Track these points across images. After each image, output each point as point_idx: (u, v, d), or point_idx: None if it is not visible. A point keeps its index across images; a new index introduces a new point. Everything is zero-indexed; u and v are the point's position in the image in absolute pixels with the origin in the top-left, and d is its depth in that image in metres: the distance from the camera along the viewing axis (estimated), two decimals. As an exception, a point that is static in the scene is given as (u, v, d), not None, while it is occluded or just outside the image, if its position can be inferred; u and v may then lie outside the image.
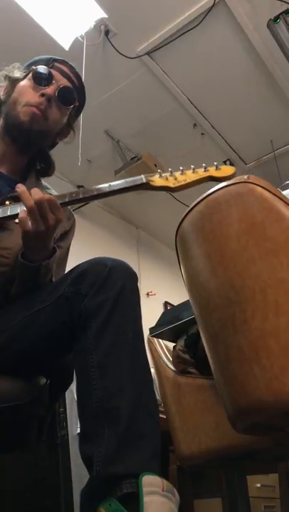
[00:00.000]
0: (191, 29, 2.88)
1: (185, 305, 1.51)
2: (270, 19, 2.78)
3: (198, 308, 1.13)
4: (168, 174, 1.06)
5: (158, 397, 1.58)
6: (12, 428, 1.06)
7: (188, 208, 1.11)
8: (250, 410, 0.96)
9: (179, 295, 3.45)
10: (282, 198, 0.99)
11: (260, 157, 3.95)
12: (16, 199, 1.05)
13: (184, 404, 1.41)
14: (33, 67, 1.29)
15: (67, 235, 1.30)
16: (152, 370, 1.18)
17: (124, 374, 0.87)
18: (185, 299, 1.37)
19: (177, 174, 1.06)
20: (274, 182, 1.06)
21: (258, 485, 2.57)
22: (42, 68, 1.27)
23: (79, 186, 3.87)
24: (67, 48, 2.88)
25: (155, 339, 1.65)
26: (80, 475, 1.84)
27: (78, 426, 0.90)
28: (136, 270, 1.02)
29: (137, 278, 1.01)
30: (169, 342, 1.66)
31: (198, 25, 2.85)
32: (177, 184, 1.04)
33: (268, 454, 1.45)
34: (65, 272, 1.12)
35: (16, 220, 1.02)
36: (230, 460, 1.41)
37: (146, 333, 1.25)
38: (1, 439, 1.07)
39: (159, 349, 1.62)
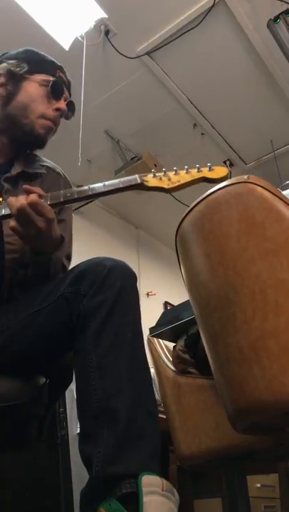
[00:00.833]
0: (191, 29, 2.88)
1: (185, 305, 1.51)
2: (270, 19, 2.78)
3: (198, 308, 1.13)
4: (162, 174, 1.06)
5: (158, 397, 1.58)
6: (12, 428, 1.06)
7: (189, 208, 1.11)
8: (250, 410, 0.96)
9: (179, 295, 3.45)
10: (282, 198, 0.99)
11: (260, 157, 3.95)
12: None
13: (184, 404, 1.41)
14: (45, 76, 1.28)
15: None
16: (152, 370, 1.18)
17: (123, 374, 0.88)
18: (185, 299, 1.37)
19: (171, 174, 1.06)
20: (274, 182, 1.05)
21: (258, 485, 2.57)
22: (58, 83, 1.30)
23: (79, 186, 3.85)
24: (67, 48, 2.88)
25: (155, 339, 1.65)
26: (80, 475, 1.83)
27: (78, 426, 0.89)
28: (136, 270, 1.03)
29: (136, 278, 1.01)
30: (169, 342, 1.66)
31: (198, 25, 2.85)
32: (171, 185, 1.04)
33: (268, 454, 1.45)
34: (71, 241, 1.24)
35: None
36: (230, 460, 1.41)
37: (146, 333, 1.25)
38: (1, 438, 1.07)
39: (159, 349, 1.62)
